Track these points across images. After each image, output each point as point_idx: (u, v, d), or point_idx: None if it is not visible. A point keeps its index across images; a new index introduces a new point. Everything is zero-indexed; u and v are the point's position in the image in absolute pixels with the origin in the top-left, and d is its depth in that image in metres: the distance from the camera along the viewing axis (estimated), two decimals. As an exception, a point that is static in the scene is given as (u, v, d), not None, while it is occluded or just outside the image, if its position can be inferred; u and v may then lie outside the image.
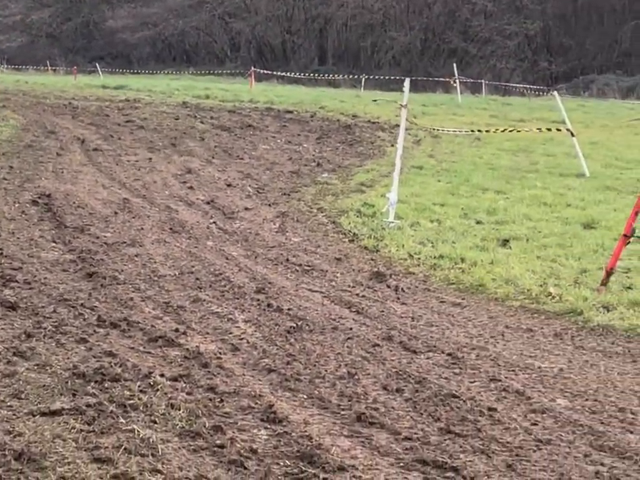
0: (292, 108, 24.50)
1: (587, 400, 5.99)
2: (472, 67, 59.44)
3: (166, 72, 51.10)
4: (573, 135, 16.66)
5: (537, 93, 38.19)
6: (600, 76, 60.04)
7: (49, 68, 56.68)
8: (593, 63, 66.44)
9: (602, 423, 5.62)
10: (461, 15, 72.25)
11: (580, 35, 71.38)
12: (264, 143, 18.73)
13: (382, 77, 42.24)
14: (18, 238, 9.49)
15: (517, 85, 45.82)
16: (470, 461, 5.01)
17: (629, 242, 8.49)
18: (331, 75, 44.23)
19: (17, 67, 55.27)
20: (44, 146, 17.01)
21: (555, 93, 19.43)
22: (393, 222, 11.00)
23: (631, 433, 5.50)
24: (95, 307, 7.32)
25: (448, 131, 18.22)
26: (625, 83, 55.83)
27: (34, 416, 5.30)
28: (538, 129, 18.14)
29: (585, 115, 28.22)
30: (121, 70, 49.82)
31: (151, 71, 50.89)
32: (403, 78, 13.84)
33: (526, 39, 72.53)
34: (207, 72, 51.17)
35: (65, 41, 73.96)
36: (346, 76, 45.34)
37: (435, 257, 9.56)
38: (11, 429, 5.09)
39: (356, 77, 43.59)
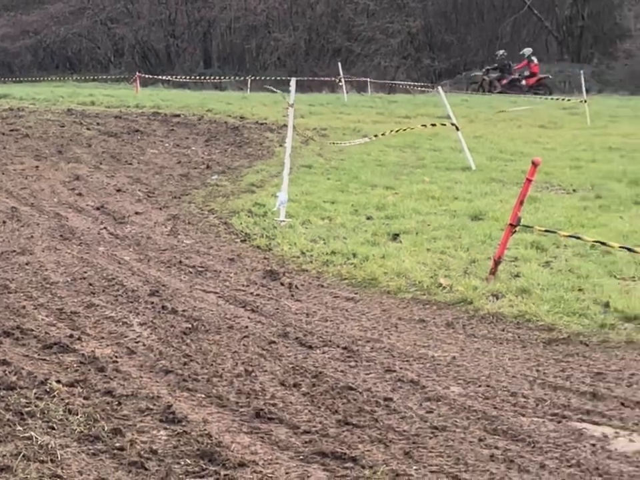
0: (179, 112, 24.31)
1: (479, 386, 6.10)
2: (357, 65, 59.67)
3: (49, 79, 50.27)
4: (457, 129, 16.87)
5: (421, 89, 38.58)
6: (482, 71, 60.51)
7: None
8: (475, 59, 67.08)
9: (495, 407, 5.74)
10: (344, 14, 72.43)
11: (461, 32, 72.18)
12: (152, 148, 18.60)
13: (268, 78, 42.16)
14: None
15: (402, 82, 46.23)
16: (368, 450, 5.08)
17: (515, 231, 8.64)
18: (216, 78, 43.98)
19: None
20: None
21: (439, 88, 19.64)
22: (284, 221, 11.04)
23: (523, 416, 5.62)
24: (-15, 315, 7.26)
25: (342, 143, 18.29)
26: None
27: None
28: (423, 125, 18.32)
29: (468, 110, 28.53)
30: (2, 79, 48.98)
31: (33, 79, 50.06)
32: (288, 78, 13.90)
33: (409, 37, 73.07)
34: (92, 78, 50.45)
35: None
36: (232, 78, 45.18)
37: (327, 254, 9.61)
38: None
39: (242, 78, 43.47)
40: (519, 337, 7.16)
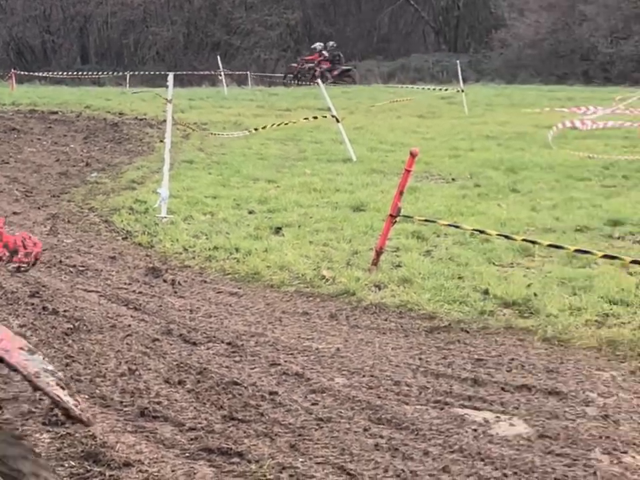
0: (56, 109, 23.95)
1: (363, 376, 6.15)
2: (237, 59, 59.60)
3: None
4: (338, 120, 16.94)
5: (300, 82, 38.67)
6: (361, 62, 61.05)
7: None
8: (353, 50, 67.50)
9: (379, 397, 5.79)
10: (222, 7, 72.21)
11: (340, 23, 72.55)
12: (29, 146, 18.30)
13: (147, 73, 41.73)
14: None
15: (280, 75, 46.36)
16: (254, 445, 5.08)
17: (396, 222, 8.72)
18: (94, 74, 43.39)
19: None
20: None
21: (319, 81, 19.71)
22: (165, 217, 10.95)
23: (407, 404, 5.69)
24: None
25: (222, 134, 18.24)
26: (385, 68, 57.09)
27: None
28: (305, 118, 18.31)
29: (348, 101, 28.66)
30: None
31: None
32: (167, 73, 13.82)
33: (287, 29, 73.21)
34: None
35: None
36: (110, 73, 44.65)
37: (209, 249, 9.56)
38: None
39: (120, 74, 43.00)
40: (401, 327, 7.23)
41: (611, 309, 7.41)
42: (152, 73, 40.30)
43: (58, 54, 68.14)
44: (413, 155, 8.41)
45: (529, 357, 6.51)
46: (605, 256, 7.65)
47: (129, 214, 11.54)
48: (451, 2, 71.04)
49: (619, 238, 9.88)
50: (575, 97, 30.23)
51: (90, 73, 43.97)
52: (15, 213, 11.60)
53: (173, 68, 41.17)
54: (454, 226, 9.04)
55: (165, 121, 13.36)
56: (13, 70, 38.22)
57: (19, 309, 7.58)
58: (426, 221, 9.36)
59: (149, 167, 15.38)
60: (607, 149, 17.26)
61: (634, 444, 5.16)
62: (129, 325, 7.17)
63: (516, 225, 10.23)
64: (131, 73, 41.27)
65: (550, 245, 8.10)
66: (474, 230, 8.77)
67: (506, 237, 8.44)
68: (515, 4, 62.34)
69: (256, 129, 17.31)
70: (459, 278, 8.20)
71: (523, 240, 8.29)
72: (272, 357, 6.49)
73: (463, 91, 27.06)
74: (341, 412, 5.55)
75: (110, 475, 4.71)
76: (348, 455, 4.98)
